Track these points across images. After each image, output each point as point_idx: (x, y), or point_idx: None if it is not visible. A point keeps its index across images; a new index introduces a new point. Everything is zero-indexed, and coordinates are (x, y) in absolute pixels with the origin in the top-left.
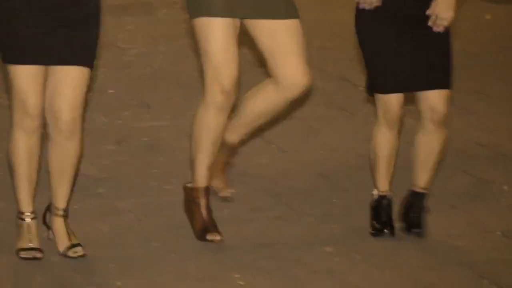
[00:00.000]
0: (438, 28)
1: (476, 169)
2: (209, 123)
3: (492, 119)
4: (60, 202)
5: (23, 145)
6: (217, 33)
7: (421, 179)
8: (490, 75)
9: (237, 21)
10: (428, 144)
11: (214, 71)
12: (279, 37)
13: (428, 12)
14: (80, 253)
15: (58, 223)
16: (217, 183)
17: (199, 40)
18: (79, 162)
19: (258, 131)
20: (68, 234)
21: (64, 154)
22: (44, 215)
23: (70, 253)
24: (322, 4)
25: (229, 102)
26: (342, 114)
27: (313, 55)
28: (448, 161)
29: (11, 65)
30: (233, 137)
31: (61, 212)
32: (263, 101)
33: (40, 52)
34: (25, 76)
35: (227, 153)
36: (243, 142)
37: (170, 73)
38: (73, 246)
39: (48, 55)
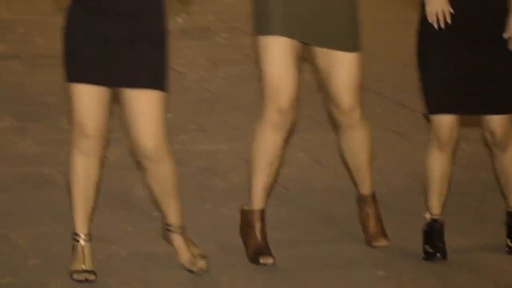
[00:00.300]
0: None
1: None
2: (265, 142)
3: None
4: (171, 220)
5: (80, 166)
6: (275, 52)
7: (509, 199)
8: None
9: (297, 42)
10: (501, 167)
11: (271, 89)
12: (336, 68)
13: (505, 35)
14: (202, 266)
15: (176, 241)
16: (373, 238)
17: (258, 59)
18: (176, 180)
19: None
20: (187, 248)
21: (157, 178)
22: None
23: (193, 268)
24: (381, 28)
25: (286, 121)
26: (399, 139)
27: (371, 80)
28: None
29: (72, 83)
30: (366, 189)
31: (176, 229)
32: (345, 146)
33: (102, 72)
34: (84, 95)
35: (372, 204)
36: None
37: (228, 97)
38: (196, 259)
39: (110, 76)
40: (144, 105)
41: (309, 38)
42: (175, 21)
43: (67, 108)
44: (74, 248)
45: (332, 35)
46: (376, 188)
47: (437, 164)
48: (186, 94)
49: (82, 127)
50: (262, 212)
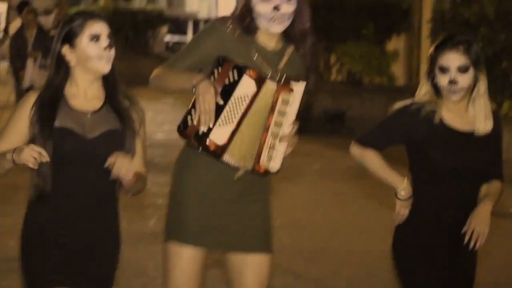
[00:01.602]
0: (477, 245)
1: None
2: None
3: None
4: None
5: None
6: (180, 263)
7: None
8: None
9: (206, 250)
10: None
11: None
12: (247, 270)
13: (464, 229)
14: None
15: None
16: None
17: (165, 266)
18: None
19: None
20: None
21: None
22: None
23: None
24: (354, 233)
25: None
26: None
27: (343, 286)
28: None
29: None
30: None
31: None
32: None
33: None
34: None
35: None
36: None
37: None
38: None
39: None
40: None
41: (221, 246)
42: (147, 225)
43: None
44: None
45: (246, 238)
46: None
47: None
48: None
49: None
50: None
